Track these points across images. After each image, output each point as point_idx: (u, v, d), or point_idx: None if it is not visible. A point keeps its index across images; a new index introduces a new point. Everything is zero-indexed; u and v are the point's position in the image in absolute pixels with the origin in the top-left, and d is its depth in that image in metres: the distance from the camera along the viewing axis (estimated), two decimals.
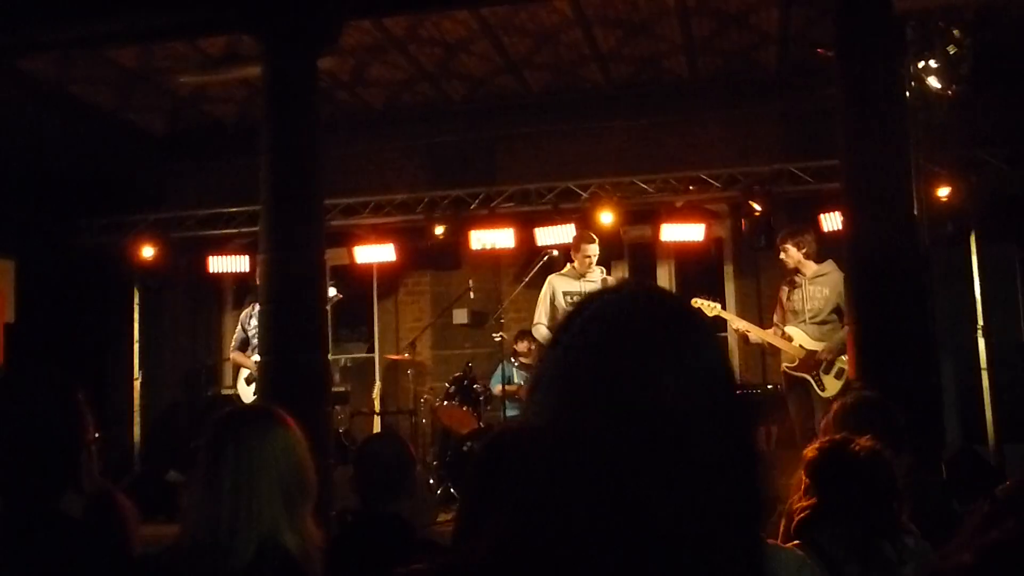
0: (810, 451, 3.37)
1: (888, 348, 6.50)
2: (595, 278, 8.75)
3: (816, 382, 8.10)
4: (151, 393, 11.49)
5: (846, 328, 7.64)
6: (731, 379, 1.18)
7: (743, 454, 1.13)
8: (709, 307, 8.73)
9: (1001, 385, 9.46)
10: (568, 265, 8.82)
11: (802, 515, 3.32)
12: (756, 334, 8.55)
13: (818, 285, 8.18)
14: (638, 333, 1.14)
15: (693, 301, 8.81)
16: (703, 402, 1.11)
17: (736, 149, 10.57)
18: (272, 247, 7.51)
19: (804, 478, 3.34)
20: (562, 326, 1.19)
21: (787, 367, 8.29)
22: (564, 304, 8.69)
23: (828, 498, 3.13)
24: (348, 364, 12.13)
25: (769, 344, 8.61)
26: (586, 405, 1.12)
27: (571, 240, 9.06)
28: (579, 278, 8.70)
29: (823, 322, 8.14)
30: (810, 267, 8.27)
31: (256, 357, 8.52)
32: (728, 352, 1.18)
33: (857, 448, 3.19)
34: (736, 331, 8.84)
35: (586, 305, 1.20)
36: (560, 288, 8.76)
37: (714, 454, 1.09)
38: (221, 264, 11.08)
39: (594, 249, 8.70)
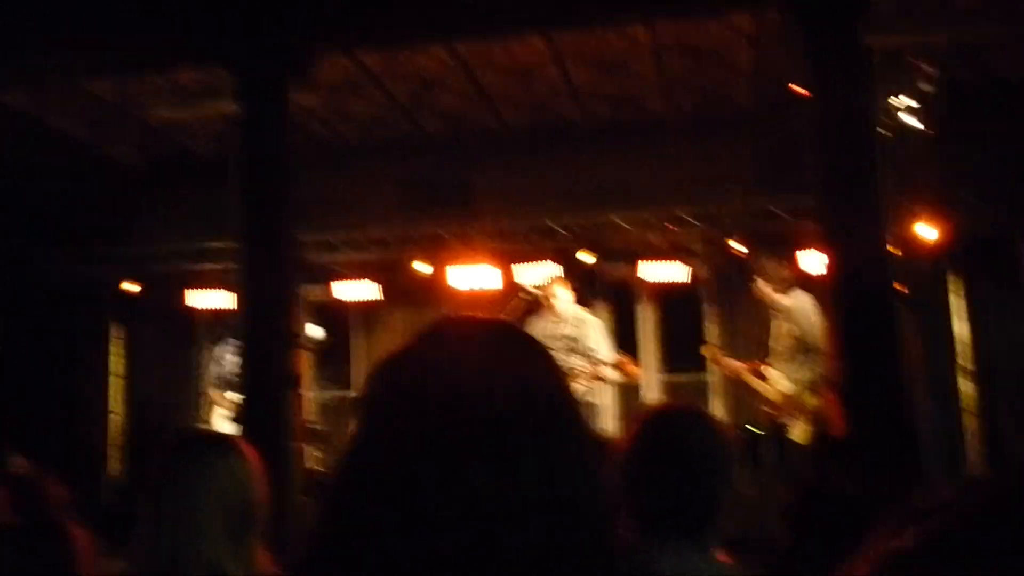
0: (786, 496, 3.31)
1: (861, 386, 6.44)
2: (571, 320, 8.60)
3: (787, 424, 8.03)
4: (125, 427, 11.38)
5: (815, 368, 7.59)
6: (551, 402, 1.09)
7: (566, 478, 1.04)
8: (711, 352, 8.72)
9: (982, 426, 9.40)
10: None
11: (779, 559, 3.24)
12: (740, 374, 8.47)
13: (779, 320, 8.13)
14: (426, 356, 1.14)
15: (702, 350, 8.78)
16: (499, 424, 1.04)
17: (712, 186, 10.55)
18: (244, 281, 7.46)
19: (783, 518, 3.27)
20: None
21: (765, 408, 8.23)
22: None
23: (803, 542, 3.06)
24: (327, 402, 12.03)
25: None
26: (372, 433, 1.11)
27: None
28: (554, 323, 8.60)
29: (788, 359, 8.06)
30: (776, 301, 8.20)
31: (230, 393, 8.45)
32: (551, 375, 1.11)
33: (830, 492, 3.13)
34: (724, 371, 8.80)
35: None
36: (537, 334, 8.69)
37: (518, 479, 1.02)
38: (197, 298, 11.01)
39: (560, 292, 8.60)
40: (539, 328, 8.65)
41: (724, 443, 2.27)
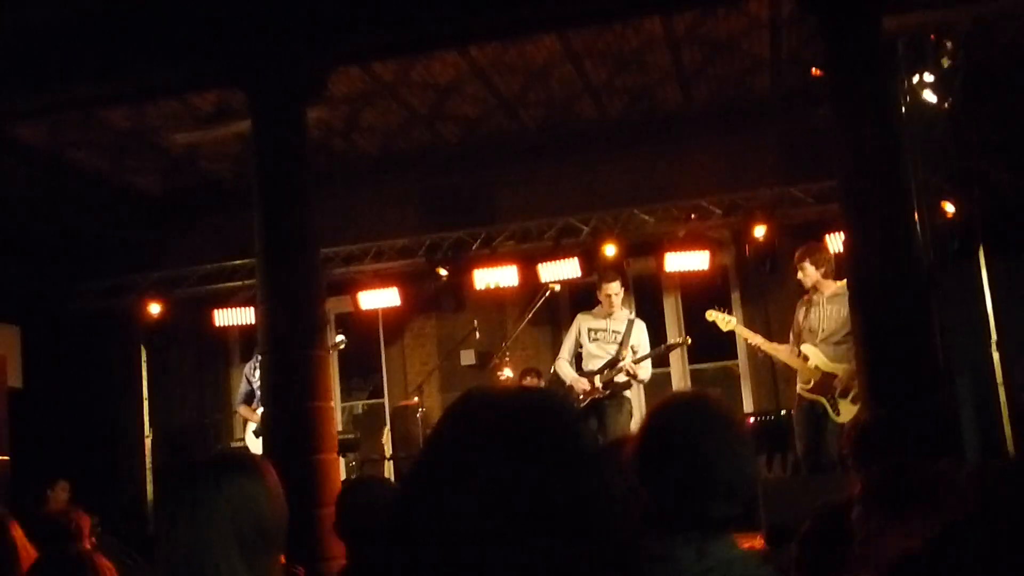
0: (873, 474, 3.15)
1: (895, 368, 6.41)
2: (622, 317, 8.77)
3: (831, 406, 7.96)
4: (162, 450, 11.45)
5: None
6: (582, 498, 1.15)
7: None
8: (724, 320, 8.65)
9: (1019, 399, 9.31)
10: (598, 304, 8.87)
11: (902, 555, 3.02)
12: (769, 351, 8.44)
13: (835, 304, 8.05)
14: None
15: (708, 313, 8.75)
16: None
17: (736, 175, 10.51)
18: (268, 297, 7.48)
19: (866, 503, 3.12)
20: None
21: (802, 388, 8.15)
22: (588, 340, 8.73)
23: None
24: (359, 411, 12.07)
25: (783, 364, 8.48)
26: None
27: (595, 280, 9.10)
28: (606, 316, 8.75)
29: (839, 342, 8.00)
30: (828, 286, 8.16)
31: (261, 410, 8.48)
32: (598, 467, 1.19)
33: (927, 467, 3.03)
34: (751, 346, 8.75)
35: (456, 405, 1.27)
36: (585, 325, 8.85)
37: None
38: (226, 318, 11.06)
39: (614, 288, 8.73)
40: (588, 321, 8.80)
41: (730, 430, 2.21)
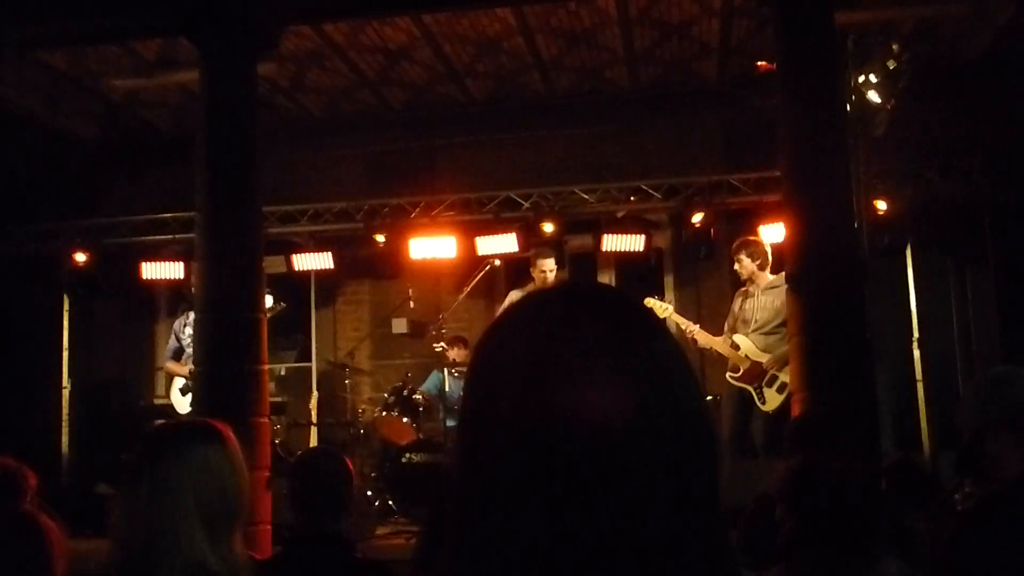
0: (784, 472, 3.30)
1: (827, 359, 6.53)
2: None
3: (757, 394, 8.11)
4: (80, 403, 11.22)
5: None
6: (680, 392, 1.02)
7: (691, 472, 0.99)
8: (661, 308, 8.72)
9: (936, 395, 9.57)
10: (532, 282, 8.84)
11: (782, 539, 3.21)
12: (704, 339, 8.55)
13: (769, 296, 8.22)
14: (551, 340, 1.00)
15: (646, 301, 8.80)
16: (631, 417, 0.96)
17: (676, 160, 10.60)
18: (208, 255, 7.34)
19: (779, 501, 3.27)
20: (483, 336, 1.06)
21: (731, 376, 8.29)
22: None
23: (804, 520, 3.08)
24: (284, 373, 11.93)
25: (716, 352, 8.60)
26: (484, 422, 1.00)
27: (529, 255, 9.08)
28: None
29: (770, 332, 8.17)
30: (763, 278, 8.32)
31: (191, 366, 8.35)
32: (684, 360, 1.04)
33: (829, 468, 3.14)
34: (686, 333, 8.86)
35: (508, 313, 1.07)
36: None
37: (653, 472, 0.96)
38: (154, 271, 10.81)
39: (549, 264, 8.73)
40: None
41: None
